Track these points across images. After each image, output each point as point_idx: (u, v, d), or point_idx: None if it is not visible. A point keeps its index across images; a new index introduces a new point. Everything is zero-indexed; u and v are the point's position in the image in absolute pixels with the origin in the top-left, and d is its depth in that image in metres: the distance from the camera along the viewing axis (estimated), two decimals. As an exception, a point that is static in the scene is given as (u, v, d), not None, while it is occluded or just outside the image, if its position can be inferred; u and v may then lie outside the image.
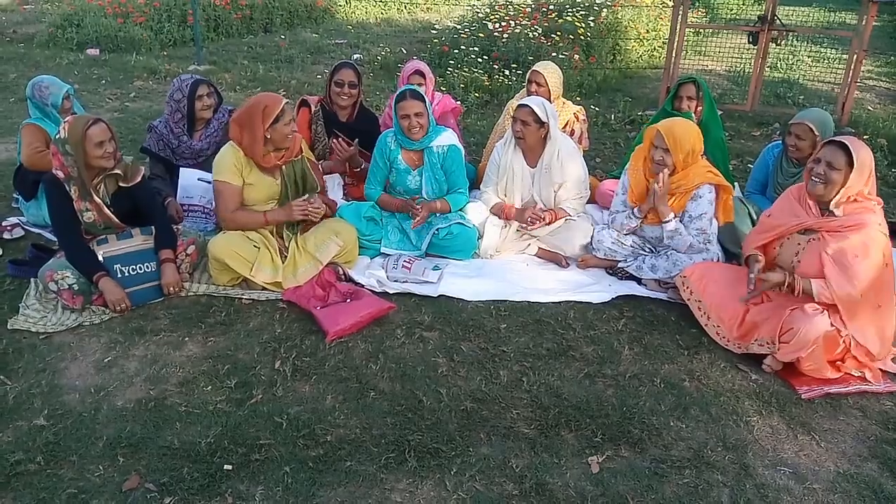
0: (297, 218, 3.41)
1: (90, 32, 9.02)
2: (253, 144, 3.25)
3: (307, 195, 3.46)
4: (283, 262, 3.39)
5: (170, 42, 9.43)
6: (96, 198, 3.12)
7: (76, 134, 3.00)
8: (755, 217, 3.67)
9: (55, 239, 3.51)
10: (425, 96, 3.70)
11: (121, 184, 3.20)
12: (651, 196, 3.36)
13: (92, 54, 8.61)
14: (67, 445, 2.39)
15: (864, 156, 2.73)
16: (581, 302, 3.36)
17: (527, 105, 3.63)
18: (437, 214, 3.79)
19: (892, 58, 9.89)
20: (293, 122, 3.31)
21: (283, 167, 3.37)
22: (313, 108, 4.18)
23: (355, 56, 8.94)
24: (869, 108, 7.22)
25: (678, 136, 3.27)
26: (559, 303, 3.35)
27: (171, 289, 3.23)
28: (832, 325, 2.70)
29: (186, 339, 3.02)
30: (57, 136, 3.06)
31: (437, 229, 3.69)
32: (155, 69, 7.89)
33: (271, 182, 3.39)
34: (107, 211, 3.16)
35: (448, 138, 3.80)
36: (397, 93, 3.73)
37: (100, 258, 3.15)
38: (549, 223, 3.73)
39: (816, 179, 2.79)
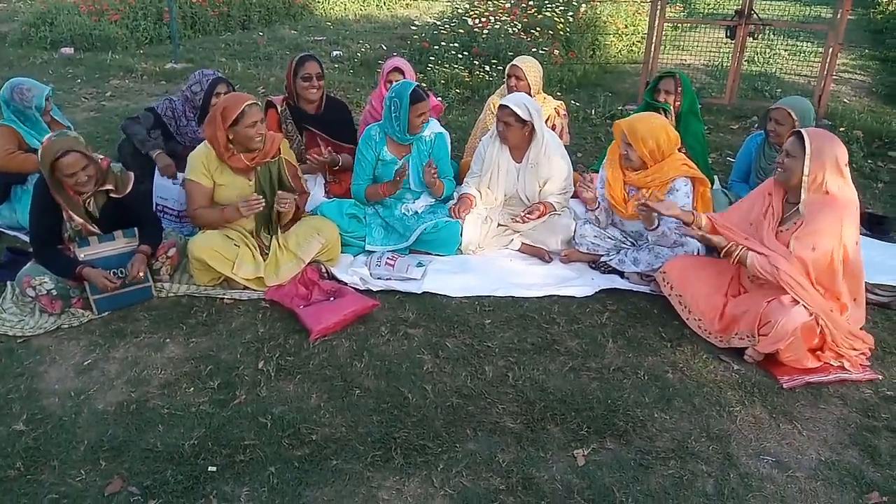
0: (245, 215, 3.23)
1: (64, 31, 8.86)
2: (218, 146, 3.22)
3: (260, 195, 3.27)
4: (264, 260, 3.37)
5: (146, 40, 9.30)
6: (76, 217, 3.05)
7: (45, 164, 2.91)
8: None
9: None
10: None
11: (112, 195, 3.13)
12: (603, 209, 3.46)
13: (66, 53, 8.46)
14: (48, 450, 2.36)
15: (820, 144, 2.74)
16: (565, 296, 3.37)
17: (507, 105, 3.63)
18: (426, 210, 3.79)
19: (866, 51, 10.04)
20: (261, 123, 3.21)
21: (258, 168, 3.33)
22: (280, 108, 4.13)
23: (335, 53, 8.89)
24: (845, 100, 7.32)
25: (640, 133, 3.30)
26: (543, 297, 3.36)
27: (131, 278, 3.09)
28: (811, 314, 2.73)
29: (168, 340, 2.98)
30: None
31: (425, 225, 3.68)
32: (131, 68, 7.78)
33: (244, 183, 3.34)
34: (90, 227, 3.10)
35: (435, 127, 3.86)
36: (409, 92, 3.61)
37: (80, 259, 3.08)
38: (541, 216, 3.74)
39: (778, 168, 2.88)
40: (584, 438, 2.46)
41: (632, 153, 3.34)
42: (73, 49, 8.61)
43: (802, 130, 2.80)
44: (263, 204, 3.22)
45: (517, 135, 3.68)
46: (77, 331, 3.04)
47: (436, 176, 3.74)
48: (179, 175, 3.80)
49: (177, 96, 4.07)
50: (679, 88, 4.08)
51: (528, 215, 3.73)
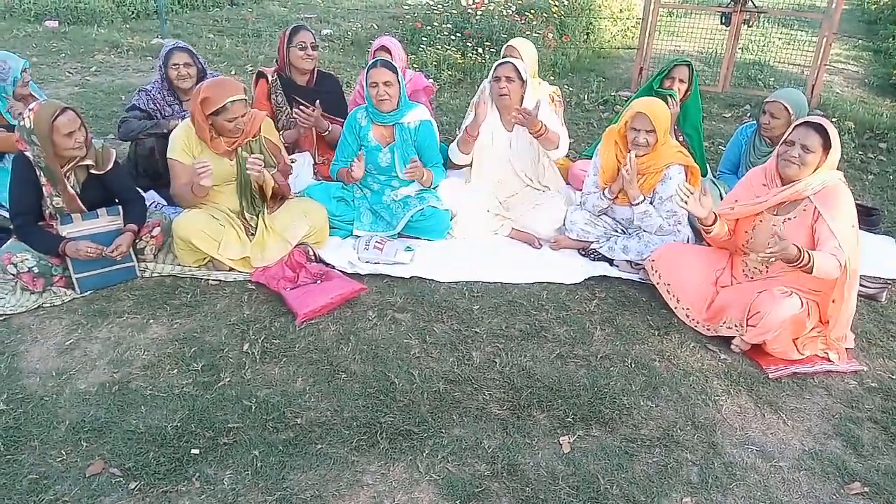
0: (204, 183, 3.11)
1: (48, 3, 8.71)
2: (200, 129, 3.17)
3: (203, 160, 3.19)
4: (250, 241, 3.32)
5: (132, 14, 9.15)
6: (69, 188, 3.00)
7: (43, 124, 2.84)
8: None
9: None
10: (398, 69, 3.63)
11: (92, 171, 3.08)
12: (621, 179, 3.36)
13: (51, 26, 8.31)
14: (28, 430, 2.33)
15: (838, 140, 2.74)
16: (553, 283, 3.36)
17: (509, 61, 3.62)
18: (413, 195, 3.74)
19: (860, 41, 10.03)
20: (242, 117, 3.15)
21: (239, 148, 3.27)
22: (270, 79, 4.05)
23: (325, 31, 8.77)
24: (837, 91, 7.32)
25: (659, 115, 3.26)
26: (532, 284, 3.35)
27: (115, 252, 3.04)
28: (802, 304, 2.72)
29: (151, 321, 2.94)
30: (21, 125, 2.91)
31: (412, 212, 3.63)
32: (117, 43, 7.64)
33: (224, 163, 3.28)
34: (79, 203, 3.05)
35: (420, 114, 3.74)
36: (370, 63, 3.66)
37: (63, 236, 3.02)
38: (537, 131, 3.61)
39: (791, 161, 2.75)
40: (570, 425, 2.45)
41: (651, 138, 3.29)
42: (57, 22, 8.45)
43: (823, 124, 2.72)
44: (210, 168, 3.10)
45: (517, 93, 3.66)
46: (59, 310, 3.00)
47: (415, 173, 3.63)
48: None
49: (150, 85, 3.93)
50: (691, 77, 4.05)
51: (518, 118, 3.58)
